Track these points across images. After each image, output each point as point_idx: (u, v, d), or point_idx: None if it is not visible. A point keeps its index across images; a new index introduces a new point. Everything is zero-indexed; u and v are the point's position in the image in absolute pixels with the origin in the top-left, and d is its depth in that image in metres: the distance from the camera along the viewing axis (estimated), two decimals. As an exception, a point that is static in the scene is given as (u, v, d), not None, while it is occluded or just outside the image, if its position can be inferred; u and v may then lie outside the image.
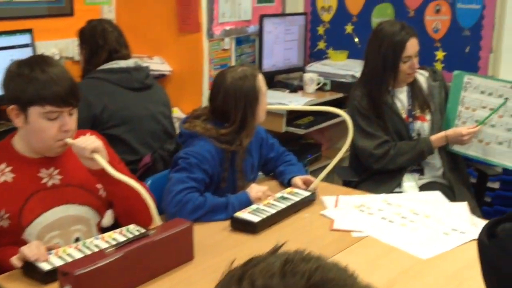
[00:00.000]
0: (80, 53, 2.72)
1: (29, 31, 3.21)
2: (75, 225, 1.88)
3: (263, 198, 2.12)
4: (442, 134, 2.59)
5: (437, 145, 2.61)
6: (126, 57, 2.63)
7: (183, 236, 1.73)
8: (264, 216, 1.99)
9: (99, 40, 2.62)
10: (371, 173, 2.69)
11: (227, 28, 3.75)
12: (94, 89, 2.50)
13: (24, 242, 1.73)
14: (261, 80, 2.19)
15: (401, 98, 2.69)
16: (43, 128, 1.76)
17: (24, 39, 3.19)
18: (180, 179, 2.04)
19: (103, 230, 1.94)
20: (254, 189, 2.12)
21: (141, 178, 2.37)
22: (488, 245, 0.98)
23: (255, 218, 1.97)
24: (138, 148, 2.55)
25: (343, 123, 2.62)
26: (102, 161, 1.75)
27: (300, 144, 4.00)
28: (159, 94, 2.72)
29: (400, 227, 2.01)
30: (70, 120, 1.80)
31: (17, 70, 1.77)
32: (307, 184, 2.29)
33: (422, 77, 2.73)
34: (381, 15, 3.95)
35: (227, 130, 2.14)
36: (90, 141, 1.78)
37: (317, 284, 0.63)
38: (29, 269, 1.61)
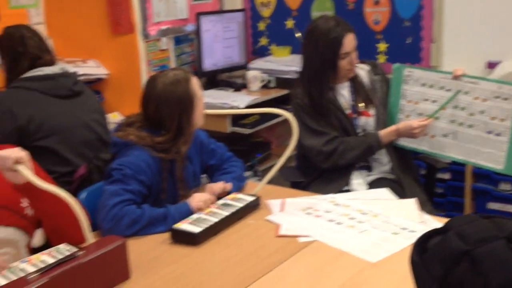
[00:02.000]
0: (1, 62, 2.53)
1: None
2: (3, 249, 1.72)
3: (205, 206, 2.01)
4: (393, 128, 2.54)
5: (388, 139, 2.55)
6: (50, 63, 2.46)
7: (116, 254, 1.60)
8: (206, 226, 1.88)
9: (19, 48, 2.43)
10: (319, 173, 2.62)
11: (163, 27, 3.62)
12: (18, 99, 2.33)
13: None
14: (195, 83, 2.07)
15: (344, 94, 2.63)
16: None
17: None
18: (114, 192, 1.91)
19: (34, 251, 1.79)
20: (195, 198, 2.01)
21: (77, 191, 2.22)
22: (418, 263, 0.91)
23: (196, 229, 1.86)
24: (72, 159, 2.40)
25: (292, 120, 2.54)
26: (27, 172, 1.61)
27: (248, 144, 3.91)
28: (90, 100, 2.56)
29: (348, 229, 1.94)
30: None
31: None
32: (212, 192, 2.11)
33: (362, 71, 2.67)
34: (321, 9, 3.90)
35: (163, 138, 2.02)
36: (14, 152, 1.64)
37: None
38: None
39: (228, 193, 2.16)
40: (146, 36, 3.52)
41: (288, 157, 2.23)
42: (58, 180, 2.36)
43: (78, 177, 2.33)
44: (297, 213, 2.07)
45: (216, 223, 1.91)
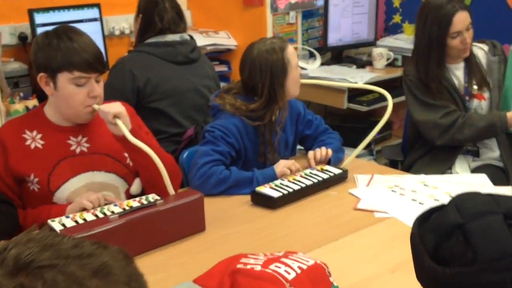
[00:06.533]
0: (134, 22, 2.75)
1: (97, 5, 3.35)
2: (104, 192, 1.94)
3: (291, 173, 2.09)
4: None
5: None
6: (175, 32, 2.63)
7: (192, 207, 1.75)
8: (285, 192, 1.96)
9: (156, 18, 2.60)
10: (423, 153, 2.57)
11: (293, 1, 3.69)
12: (139, 62, 2.56)
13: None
14: (290, 52, 2.14)
15: (458, 75, 2.53)
16: (71, 94, 1.84)
17: (92, 13, 3.34)
18: (205, 152, 2.06)
19: (132, 197, 2.00)
20: (281, 164, 2.10)
21: (183, 150, 2.42)
22: (415, 234, 0.91)
23: (275, 193, 1.95)
24: (182, 121, 2.59)
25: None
26: (122, 126, 1.80)
27: (367, 122, 3.88)
28: (204, 68, 2.73)
29: (428, 210, 1.90)
30: (98, 86, 1.87)
31: (44, 40, 1.85)
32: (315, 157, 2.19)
33: (481, 51, 2.54)
34: (459, -14, 3.71)
35: (256, 105, 2.12)
36: (114, 106, 1.84)
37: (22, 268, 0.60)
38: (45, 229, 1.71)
39: (328, 162, 2.22)
40: (275, 9, 3.62)
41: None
42: (169, 139, 2.59)
43: (186, 138, 2.52)
44: (381, 190, 2.06)
45: (296, 191, 1.99)
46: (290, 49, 2.14)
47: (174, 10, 2.64)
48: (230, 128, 2.09)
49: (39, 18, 3.13)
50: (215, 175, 2.02)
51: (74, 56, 1.80)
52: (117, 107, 1.84)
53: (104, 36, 3.39)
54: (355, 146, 2.45)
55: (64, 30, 1.87)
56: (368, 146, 3.74)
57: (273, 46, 2.11)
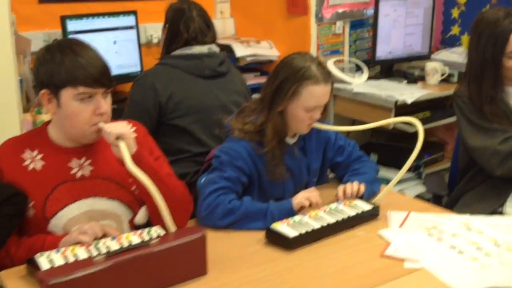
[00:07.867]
0: (162, 33, 2.58)
1: (133, 12, 3.23)
2: (103, 220, 1.78)
3: (311, 206, 1.86)
4: None
5: None
6: (202, 42, 2.46)
7: (192, 247, 1.55)
8: (304, 231, 1.73)
9: (181, 27, 2.45)
10: (473, 186, 2.28)
11: (340, 10, 3.45)
12: (162, 76, 2.39)
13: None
14: (311, 92, 1.88)
15: (516, 99, 2.23)
16: (76, 112, 1.69)
17: (128, 20, 3.22)
18: (211, 180, 1.87)
19: (137, 227, 1.83)
20: (299, 196, 1.86)
21: (205, 172, 2.24)
22: None
23: (292, 232, 1.72)
24: (206, 140, 2.41)
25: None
26: (123, 149, 1.63)
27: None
28: (234, 82, 2.53)
29: (468, 261, 1.63)
30: (105, 103, 1.71)
31: (46, 55, 1.71)
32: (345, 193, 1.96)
33: (543, 74, 2.22)
34: (527, -4, 3.36)
35: (261, 119, 1.90)
36: (118, 127, 1.67)
37: None
38: (31, 265, 1.55)
39: (361, 196, 1.98)
40: (320, 19, 3.40)
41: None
42: (191, 159, 2.41)
43: (208, 159, 2.33)
44: (416, 232, 1.81)
45: (316, 230, 1.75)
46: (313, 88, 1.87)
47: (202, 19, 2.46)
48: (239, 150, 1.89)
49: (72, 25, 3.03)
50: (222, 204, 1.82)
51: (79, 71, 1.66)
52: (121, 127, 1.67)
53: (139, 44, 3.27)
54: (401, 167, 2.19)
55: (68, 44, 1.73)
56: (416, 168, 3.45)
57: (304, 65, 1.88)
